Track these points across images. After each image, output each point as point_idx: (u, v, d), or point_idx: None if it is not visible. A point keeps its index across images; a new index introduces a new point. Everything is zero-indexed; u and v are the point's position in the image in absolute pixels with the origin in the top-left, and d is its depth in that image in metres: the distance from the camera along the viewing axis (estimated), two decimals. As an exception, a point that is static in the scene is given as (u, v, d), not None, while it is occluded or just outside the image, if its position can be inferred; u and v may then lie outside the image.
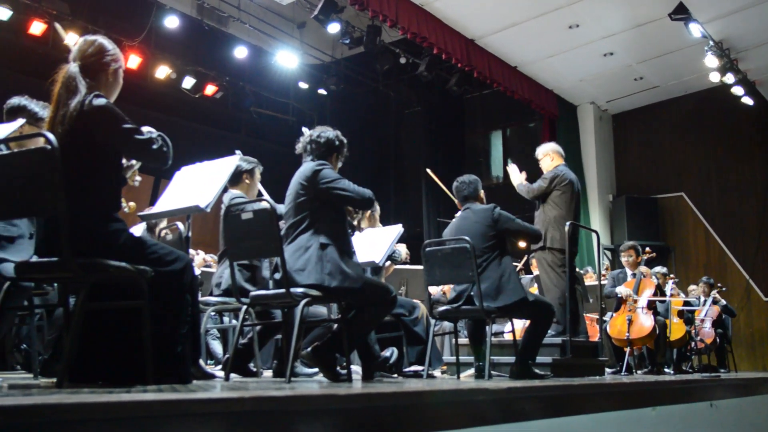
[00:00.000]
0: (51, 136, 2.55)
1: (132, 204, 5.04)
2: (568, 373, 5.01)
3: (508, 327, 6.76)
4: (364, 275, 3.86)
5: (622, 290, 7.21)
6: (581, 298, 6.03)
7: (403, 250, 6.22)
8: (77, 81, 2.84)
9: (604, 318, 7.21)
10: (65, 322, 3.02)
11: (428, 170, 6.53)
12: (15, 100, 3.78)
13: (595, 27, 10.20)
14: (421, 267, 4.98)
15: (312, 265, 3.67)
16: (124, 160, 3.17)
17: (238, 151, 4.29)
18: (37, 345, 4.09)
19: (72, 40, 3.78)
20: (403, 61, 11.43)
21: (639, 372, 7.31)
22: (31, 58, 9.84)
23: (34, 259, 2.81)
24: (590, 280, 8.17)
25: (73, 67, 2.88)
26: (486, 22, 10.10)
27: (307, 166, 3.94)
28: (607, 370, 6.39)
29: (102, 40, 3.01)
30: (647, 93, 12.61)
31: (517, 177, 6.10)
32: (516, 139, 14.46)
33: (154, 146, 2.91)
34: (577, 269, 6.75)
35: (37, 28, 9.78)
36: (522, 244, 7.56)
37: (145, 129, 3.02)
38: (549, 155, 6.11)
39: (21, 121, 3.49)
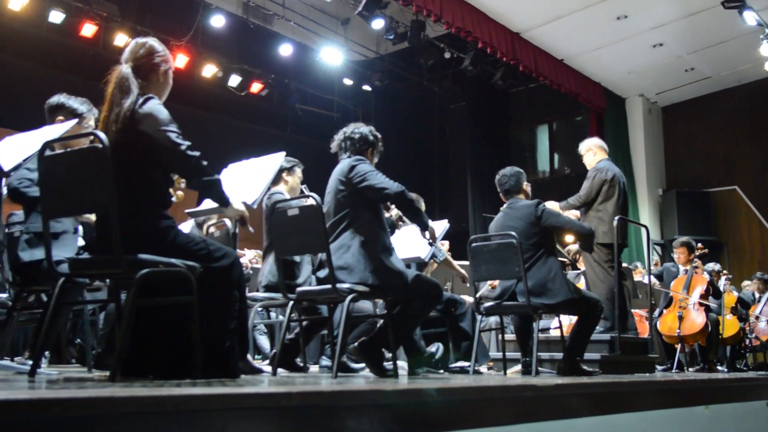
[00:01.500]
0: (102, 135, 2.62)
1: (180, 193, 5.11)
2: (617, 370, 4.93)
3: (555, 323, 6.69)
4: (408, 272, 3.85)
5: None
6: (629, 294, 5.93)
7: (444, 248, 6.19)
8: (130, 81, 2.90)
9: (654, 314, 7.08)
10: (117, 318, 3.08)
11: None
12: (54, 99, 3.88)
13: (644, 17, 9.99)
14: (467, 262, 4.95)
15: (355, 264, 3.68)
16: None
17: (282, 153, 4.33)
18: (91, 339, 4.19)
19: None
20: (447, 55, 11.37)
21: (691, 370, 7.16)
22: (83, 60, 10.09)
23: (85, 255, 2.88)
24: (639, 276, 8.03)
25: (125, 68, 2.95)
26: (532, 14, 9.98)
27: (344, 163, 3.95)
28: (658, 367, 6.27)
29: (152, 41, 3.08)
30: (698, 84, 12.31)
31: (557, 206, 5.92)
32: (562, 133, 14.28)
33: (192, 161, 2.93)
34: (625, 264, 6.63)
35: (88, 30, 10.02)
36: (569, 238, 7.46)
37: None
38: (591, 150, 5.99)
39: (72, 121, 3.57)
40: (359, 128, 4.09)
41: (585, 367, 4.58)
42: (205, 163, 2.98)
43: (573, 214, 5.88)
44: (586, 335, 4.60)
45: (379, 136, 4.13)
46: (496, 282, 6.92)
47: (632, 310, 6.98)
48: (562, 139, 14.18)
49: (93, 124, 3.86)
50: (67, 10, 9.77)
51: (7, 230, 4.06)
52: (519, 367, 4.98)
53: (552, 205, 5.75)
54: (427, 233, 3.95)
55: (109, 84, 2.95)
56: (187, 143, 2.91)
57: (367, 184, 3.80)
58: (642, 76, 11.92)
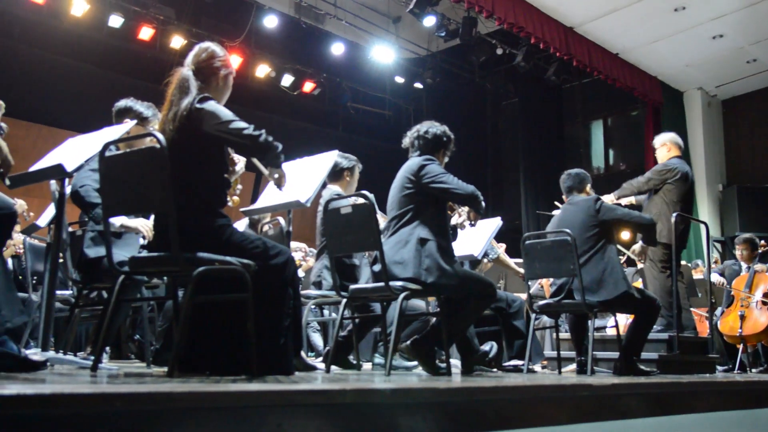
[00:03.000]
0: (160, 136, 2.67)
1: (236, 198, 5.19)
2: (676, 370, 4.82)
3: (611, 321, 6.58)
4: (462, 271, 3.83)
5: (716, 278, 6.87)
6: (685, 293, 5.78)
7: (500, 248, 6.14)
8: (190, 82, 2.98)
9: (715, 313, 6.89)
10: (174, 314, 3.15)
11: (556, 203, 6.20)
12: (122, 102, 3.98)
13: (702, 8, 9.71)
14: (520, 260, 4.91)
15: (410, 259, 3.68)
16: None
17: (335, 151, 4.36)
18: (149, 336, 4.29)
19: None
20: (499, 52, 11.27)
21: (753, 370, 6.95)
22: (141, 62, 10.34)
23: (144, 253, 2.94)
24: (699, 274, 7.83)
25: (186, 70, 3.03)
26: (585, 8, 9.81)
27: (414, 161, 3.96)
28: (719, 368, 6.10)
29: (214, 47, 3.16)
30: (761, 76, 11.90)
31: (607, 198, 5.79)
32: (618, 128, 14.00)
33: (261, 138, 2.97)
34: (684, 262, 6.46)
35: (145, 33, 10.28)
36: (625, 236, 7.30)
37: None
38: (666, 145, 5.85)
39: (132, 122, 3.66)
40: (433, 127, 4.10)
41: (642, 367, 4.49)
42: (270, 139, 3.01)
43: (627, 200, 5.79)
44: (643, 334, 4.51)
45: (452, 137, 4.15)
46: (544, 281, 6.84)
47: (691, 309, 6.81)
48: (617, 134, 13.90)
49: (157, 128, 3.94)
50: (126, 14, 10.03)
51: (71, 229, 4.19)
52: (574, 366, 4.92)
53: (607, 198, 5.66)
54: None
55: (170, 85, 3.03)
56: (251, 126, 2.95)
57: (440, 187, 3.81)
58: (701, 68, 11.59)
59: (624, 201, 5.94)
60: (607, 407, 2.72)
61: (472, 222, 4.10)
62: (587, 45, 10.47)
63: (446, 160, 4.15)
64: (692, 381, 3.67)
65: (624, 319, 5.59)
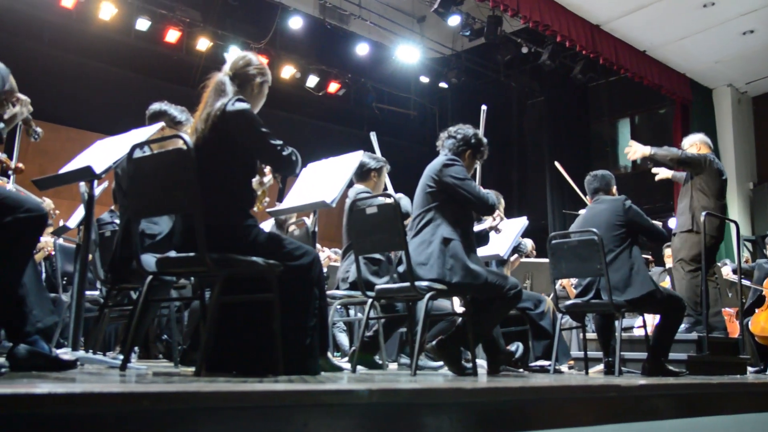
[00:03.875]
0: (186, 137, 2.70)
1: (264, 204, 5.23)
2: (705, 371, 4.75)
3: (638, 322, 6.51)
4: (487, 270, 3.82)
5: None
6: (717, 294, 5.70)
7: (528, 243, 6.11)
8: (226, 86, 3.04)
9: (728, 310, 6.79)
10: (202, 315, 3.18)
11: (556, 163, 6.34)
12: (156, 106, 4.02)
13: (732, 4, 9.57)
14: (546, 260, 4.88)
15: (434, 260, 3.67)
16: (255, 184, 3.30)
17: (360, 152, 4.37)
18: (177, 336, 4.33)
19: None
20: (525, 50, 11.21)
21: (786, 372, 6.83)
22: (167, 65, 10.46)
23: (173, 254, 2.97)
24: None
25: (222, 75, 3.10)
26: (612, 5, 9.72)
27: (438, 159, 3.96)
28: (750, 369, 6.01)
29: (251, 55, 3.23)
30: (794, 72, 11.71)
31: (642, 149, 5.72)
32: (645, 126, 13.85)
33: (285, 152, 3.03)
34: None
35: (172, 36, 10.39)
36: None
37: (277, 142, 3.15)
38: (696, 145, 5.79)
39: (160, 124, 3.70)
40: (463, 129, 4.10)
41: (671, 368, 4.44)
42: (294, 159, 3.08)
43: (664, 175, 5.75)
44: (669, 334, 4.47)
45: (484, 141, 4.11)
46: (565, 281, 6.79)
47: (721, 309, 6.71)
48: (644, 132, 13.74)
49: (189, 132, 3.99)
50: (152, 17, 10.15)
51: (100, 230, 4.24)
52: (601, 366, 4.88)
53: (641, 150, 5.57)
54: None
55: (206, 88, 3.09)
56: (279, 142, 3.01)
57: (459, 192, 3.81)
58: (730, 65, 11.42)
59: (661, 175, 5.90)
60: (635, 408, 2.70)
61: (497, 229, 4.13)
62: (614, 42, 10.37)
63: (477, 164, 4.13)
64: (722, 382, 3.62)
65: (652, 319, 5.52)
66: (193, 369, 2.86)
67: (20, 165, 4.33)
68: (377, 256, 4.48)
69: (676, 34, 10.40)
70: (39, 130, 3.30)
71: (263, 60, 3.31)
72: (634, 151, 5.68)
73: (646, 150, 5.60)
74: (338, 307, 4.84)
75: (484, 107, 5.19)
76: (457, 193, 3.82)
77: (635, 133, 13.74)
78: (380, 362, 4.43)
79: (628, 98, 13.34)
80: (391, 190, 4.85)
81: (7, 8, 9.40)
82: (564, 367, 5.17)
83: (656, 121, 13.58)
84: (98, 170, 3.15)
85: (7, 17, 9.45)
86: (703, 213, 5.17)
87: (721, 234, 5.55)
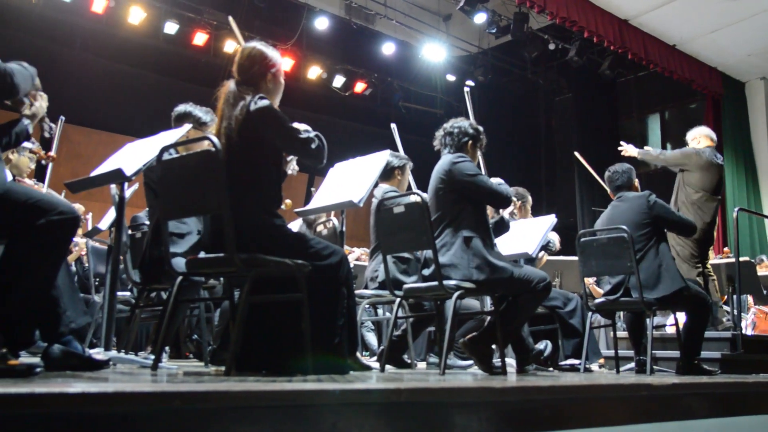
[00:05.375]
0: (215, 139, 2.73)
1: (288, 201, 5.25)
2: (740, 370, 4.68)
3: (670, 319, 6.42)
4: (512, 265, 3.79)
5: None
6: (716, 288, 5.63)
7: (556, 239, 6.06)
8: (239, 94, 3.01)
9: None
10: (231, 314, 3.20)
11: (576, 153, 6.28)
12: (181, 108, 4.06)
13: (764, -5, 9.41)
14: (575, 258, 4.83)
15: (458, 261, 3.66)
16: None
17: (387, 151, 4.37)
18: (207, 335, 4.37)
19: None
20: (552, 47, 11.12)
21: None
22: (196, 67, 10.56)
23: (202, 254, 3.00)
24: (764, 270, 7.58)
25: (232, 86, 3.07)
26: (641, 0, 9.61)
27: (445, 159, 3.93)
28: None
29: (258, 48, 3.15)
30: (830, 63, 11.46)
31: (632, 150, 5.89)
32: (676, 121, 13.65)
33: (313, 145, 3.04)
34: (745, 258, 6.26)
35: (199, 39, 10.50)
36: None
37: (302, 127, 3.14)
38: (696, 138, 5.77)
39: (188, 126, 3.74)
40: (458, 122, 4.06)
41: (704, 366, 4.37)
42: (321, 146, 3.09)
43: (630, 153, 5.79)
44: (697, 333, 4.39)
45: (481, 129, 4.08)
46: (588, 280, 6.72)
47: (757, 307, 6.60)
48: (675, 128, 13.54)
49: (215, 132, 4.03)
50: (181, 20, 10.26)
51: (130, 232, 4.30)
52: (632, 365, 4.82)
53: (627, 147, 5.69)
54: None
55: (219, 100, 3.08)
56: (305, 135, 3.01)
57: (473, 187, 3.78)
58: (764, 57, 11.20)
59: (628, 152, 5.95)
60: (667, 407, 2.67)
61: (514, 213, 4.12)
62: (643, 37, 10.24)
63: (479, 154, 4.09)
64: (757, 381, 3.56)
65: (683, 317, 5.45)
66: (223, 368, 2.89)
67: (51, 153, 4.40)
68: (406, 255, 4.48)
69: (706, 27, 10.24)
70: (53, 125, 3.33)
71: (266, 46, 3.18)
72: (626, 150, 5.97)
73: (634, 152, 5.83)
74: (366, 306, 4.85)
75: (466, 89, 5.21)
76: (470, 190, 3.79)
77: (665, 128, 13.55)
78: (409, 361, 4.43)
79: (657, 94, 13.17)
80: (414, 188, 4.84)
81: (41, 15, 9.58)
82: (594, 366, 5.13)
83: (687, 117, 13.38)
84: (129, 172, 3.19)
85: (42, 24, 9.62)
86: (735, 209, 5.11)
87: (711, 227, 5.53)
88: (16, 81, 2.46)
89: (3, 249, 2.30)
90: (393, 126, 5.28)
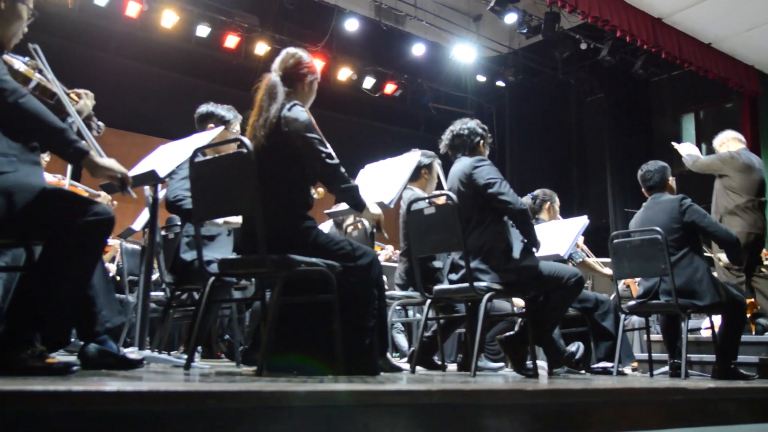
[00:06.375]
0: (246, 141, 2.75)
1: (321, 190, 5.27)
2: (779, 375, 4.60)
3: (706, 323, 6.33)
4: (541, 264, 3.76)
5: None
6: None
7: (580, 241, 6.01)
8: (277, 89, 3.08)
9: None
10: (262, 315, 3.22)
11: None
12: (203, 108, 4.11)
13: (802, -8, 9.22)
14: (608, 259, 4.78)
15: (485, 267, 3.64)
16: None
17: (417, 151, 4.37)
18: (238, 336, 4.40)
19: None
20: (583, 46, 11.01)
21: None
22: (227, 70, 10.66)
23: (234, 255, 3.03)
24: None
25: (274, 76, 3.14)
26: (674, -2, 9.48)
27: (465, 162, 3.89)
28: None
29: (301, 53, 3.26)
30: None
31: (687, 148, 5.71)
32: (711, 121, 13.42)
33: (330, 161, 3.03)
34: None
35: (231, 41, 10.60)
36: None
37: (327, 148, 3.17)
38: (725, 143, 5.65)
39: (219, 128, 3.77)
40: (466, 123, 4.05)
41: (742, 371, 4.29)
42: (343, 170, 3.09)
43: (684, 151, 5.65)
44: (734, 336, 4.31)
45: (486, 127, 4.09)
46: (630, 280, 6.64)
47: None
48: (710, 128, 13.28)
49: (238, 129, 4.07)
50: (212, 23, 10.36)
51: (164, 232, 4.35)
52: (666, 368, 4.75)
53: (680, 149, 5.55)
54: (535, 250, 3.82)
55: (259, 90, 3.14)
56: (328, 151, 3.03)
57: (493, 192, 3.73)
58: (802, 55, 10.99)
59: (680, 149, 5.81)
60: (703, 412, 2.62)
61: None
62: (677, 36, 10.09)
63: (487, 152, 4.06)
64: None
65: (719, 321, 5.36)
66: (254, 369, 2.91)
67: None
68: (437, 264, 4.48)
69: (743, 24, 10.05)
70: (101, 124, 3.37)
71: (310, 56, 3.32)
72: (678, 148, 5.80)
73: (683, 152, 5.70)
74: (397, 307, 4.85)
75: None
76: (495, 197, 3.71)
77: (700, 129, 13.34)
78: (439, 363, 4.42)
79: (692, 93, 12.96)
80: (444, 182, 4.82)
81: (77, 20, 9.74)
82: (627, 369, 5.07)
83: (723, 116, 13.15)
84: (162, 174, 3.22)
85: (78, 28, 9.79)
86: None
87: (763, 230, 5.35)
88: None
89: (40, 250, 2.34)
90: (437, 162, 5.03)
